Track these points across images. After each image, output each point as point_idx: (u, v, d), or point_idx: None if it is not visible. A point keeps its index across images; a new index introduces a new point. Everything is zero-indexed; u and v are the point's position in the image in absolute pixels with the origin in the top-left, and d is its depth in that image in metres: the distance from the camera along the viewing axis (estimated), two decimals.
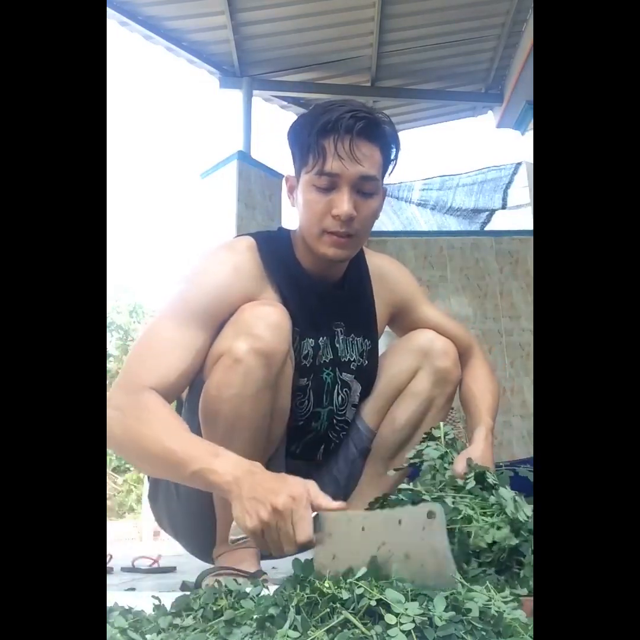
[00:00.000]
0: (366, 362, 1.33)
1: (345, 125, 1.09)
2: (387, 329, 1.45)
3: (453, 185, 5.34)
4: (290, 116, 4.79)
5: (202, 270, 1.18)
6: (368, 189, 1.14)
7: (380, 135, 1.15)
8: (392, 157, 1.19)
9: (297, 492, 0.82)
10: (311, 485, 0.84)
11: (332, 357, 1.27)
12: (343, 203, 1.11)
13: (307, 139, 1.13)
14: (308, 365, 1.23)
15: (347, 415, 1.33)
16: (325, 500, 0.82)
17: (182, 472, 0.94)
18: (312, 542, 0.80)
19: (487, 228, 5.48)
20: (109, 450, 0.96)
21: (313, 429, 1.28)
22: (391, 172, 1.21)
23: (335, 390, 1.29)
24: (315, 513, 0.81)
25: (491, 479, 0.95)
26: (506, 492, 0.92)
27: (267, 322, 1.09)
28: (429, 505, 0.75)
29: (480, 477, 0.96)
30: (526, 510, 0.89)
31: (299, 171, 1.18)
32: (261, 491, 0.83)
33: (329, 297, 1.27)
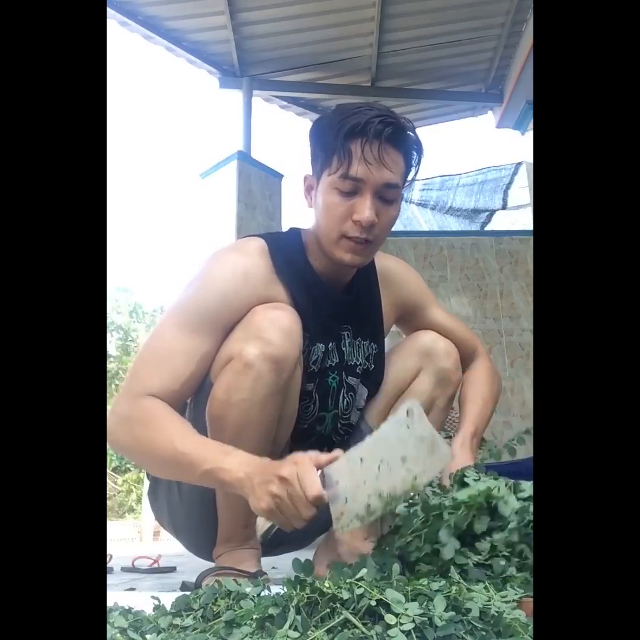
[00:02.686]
0: (373, 365, 1.32)
1: (375, 130, 1.07)
2: (392, 329, 1.44)
3: (453, 185, 5.34)
4: (290, 116, 4.79)
5: (210, 274, 1.16)
6: (390, 196, 1.13)
7: (405, 142, 1.13)
8: (414, 163, 1.17)
9: (298, 457, 0.89)
10: (311, 452, 0.90)
11: (338, 360, 1.26)
12: (365, 209, 1.09)
13: (333, 141, 1.10)
14: (316, 370, 1.22)
15: (351, 418, 1.32)
16: (324, 457, 0.89)
17: (193, 472, 0.96)
18: (324, 497, 0.85)
19: (487, 228, 5.48)
20: (109, 451, 0.97)
21: (317, 433, 1.28)
22: (413, 178, 1.19)
23: (341, 394, 1.28)
24: (319, 471, 0.87)
25: (471, 477, 0.96)
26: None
27: (278, 326, 1.08)
28: (406, 404, 0.85)
29: (460, 479, 0.96)
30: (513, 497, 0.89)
31: (320, 172, 1.15)
32: (268, 473, 0.89)
33: (338, 301, 1.26)
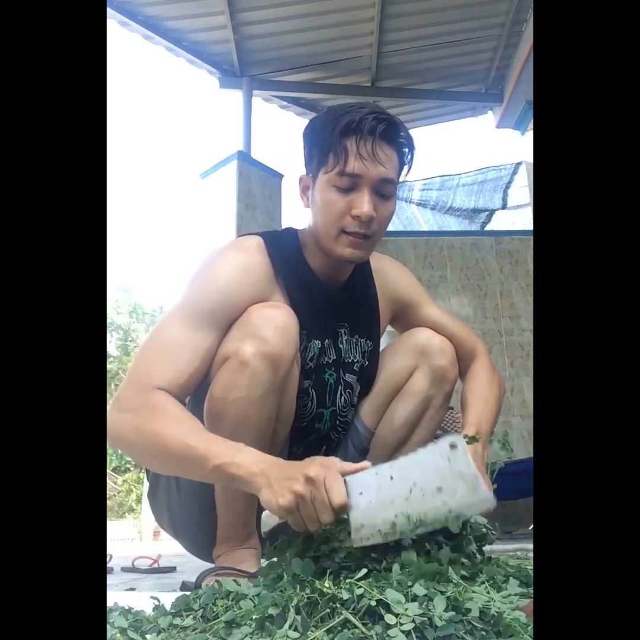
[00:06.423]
0: (367, 362, 1.33)
1: (369, 126, 1.10)
2: (389, 329, 1.44)
3: (453, 185, 5.35)
4: (290, 116, 4.80)
5: (213, 271, 1.17)
6: (386, 191, 1.15)
7: (398, 138, 1.16)
8: (407, 160, 1.20)
9: (326, 461, 0.87)
10: (334, 458, 0.89)
11: (334, 357, 1.27)
12: (364, 204, 1.11)
13: (329, 139, 1.13)
14: (313, 366, 1.23)
15: (348, 416, 1.33)
16: (349, 465, 0.87)
17: (203, 467, 0.95)
18: (347, 505, 0.83)
19: (487, 228, 5.48)
20: (109, 451, 0.96)
21: (316, 430, 1.28)
22: (406, 174, 1.22)
23: (338, 391, 1.29)
24: (343, 478, 0.85)
25: None
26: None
27: (274, 324, 1.09)
28: (450, 438, 0.81)
29: None
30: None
31: (316, 171, 1.18)
32: (292, 471, 0.87)
33: (335, 298, 1.27)
